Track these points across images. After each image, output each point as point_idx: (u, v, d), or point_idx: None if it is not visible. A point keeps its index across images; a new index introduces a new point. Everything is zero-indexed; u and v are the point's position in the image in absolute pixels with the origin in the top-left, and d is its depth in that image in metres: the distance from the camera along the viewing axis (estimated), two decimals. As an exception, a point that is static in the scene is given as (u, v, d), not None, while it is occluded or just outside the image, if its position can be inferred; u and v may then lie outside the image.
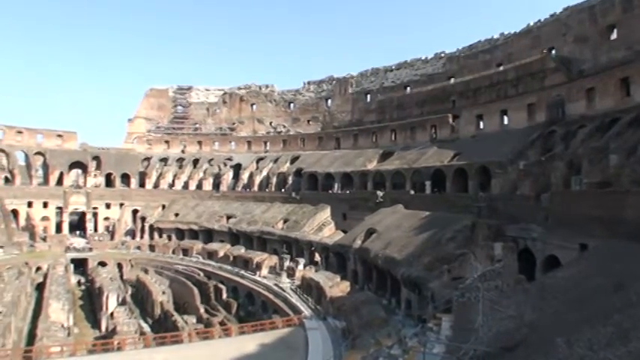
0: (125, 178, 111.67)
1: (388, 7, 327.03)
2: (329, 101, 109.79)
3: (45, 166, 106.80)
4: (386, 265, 49.77)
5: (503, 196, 51.21)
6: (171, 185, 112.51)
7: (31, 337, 53.12)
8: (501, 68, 70.05)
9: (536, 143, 54.27)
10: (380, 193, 71.05)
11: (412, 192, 67.66)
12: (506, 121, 65.14)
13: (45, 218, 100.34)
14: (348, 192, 78.85)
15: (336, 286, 53.98)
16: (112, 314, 59.69)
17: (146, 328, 53.87)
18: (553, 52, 63.04)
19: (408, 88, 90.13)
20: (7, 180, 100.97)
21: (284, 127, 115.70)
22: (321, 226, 76.12)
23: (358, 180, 79.00)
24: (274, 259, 71.64)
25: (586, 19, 58.42)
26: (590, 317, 17.01)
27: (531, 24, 68.41)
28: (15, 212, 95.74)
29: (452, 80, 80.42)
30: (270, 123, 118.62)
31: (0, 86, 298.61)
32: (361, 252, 57.20)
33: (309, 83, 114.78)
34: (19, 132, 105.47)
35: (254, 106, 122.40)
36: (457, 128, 72.72)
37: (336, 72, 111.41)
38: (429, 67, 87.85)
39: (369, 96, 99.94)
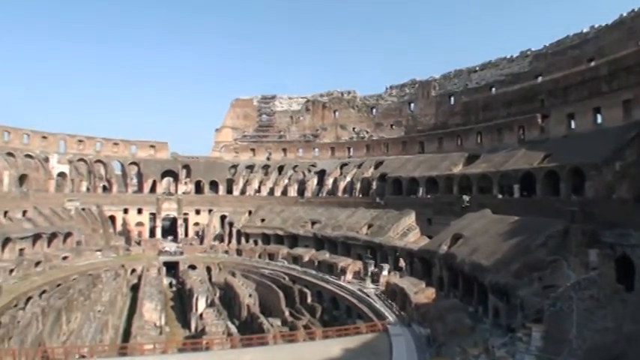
0: (213, 185, 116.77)
1: (469, 6, 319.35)
2: (412, 105, 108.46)
3: (139, 175, 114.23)
4: (472, 272, 48.54)
5: (598, 199, 48.42)
6: (258, 191, 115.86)
7: (126, 335, 56.87)
8: (593, 64, 66.21)
9: (634, 142, 50.65)
10: (466, 198, 69.44)
11: (500, 196, 65.48)
12: (599, 119, 61.18)
13: (139, 224, 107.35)
14: (433, 196, 77.60)
15: (421, 293, 53.26)
16: (201, 315, 62.55)
17: (233, 329, 55.66)
18: (650, 43, 58.97)
19: (493, 89, 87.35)
20: (105, 188, 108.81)
21: (367, 132, 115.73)
22: (405, 231, 75.41)
23: (443, 184, 77.34)
24: (358, 265, 71.82)
25: (687, 6, 54.23)
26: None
27: (624, 15, 64.41)
28: (112, 218, 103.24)
29: (539, 79, 77.02)
30: (353, 129, 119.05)
31: (98, 103, 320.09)
32: (447, 258, 56.12)
33: (391, 87, 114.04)
34: (115, 144, 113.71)
35: (336, 113, 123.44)
36: (547, 128, 69.43)
37: (418, 75, 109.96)
38: (515, 66, 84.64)
39: (452, 98, 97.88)
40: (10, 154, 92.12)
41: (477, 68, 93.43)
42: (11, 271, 67.95)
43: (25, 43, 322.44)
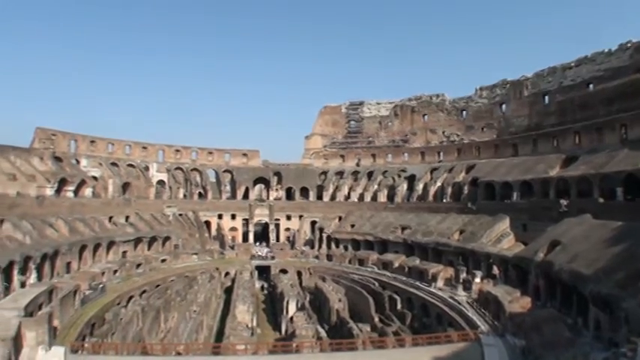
0: (304, 192, 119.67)
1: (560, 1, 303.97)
2: (503, 106, 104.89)
3: (232, 182, 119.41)
4: (572, 281, 46.25)
5: None
6: (347, 197, 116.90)
7: (220, 334, 59.85)
8: None
9: None
10: (564, 202, 66.10)
11: (601, 200, 61.82)
12: None
13: (233, 229, 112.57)
14: (527, 201, 74.54)
15: (516, 302, 51.47)
16: (291, 318, 64.38)
17: (322, 333, 56.56)
18: None
19: (591, 86, 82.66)
20: (200, 195, 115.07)
21: (457, 135, 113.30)
22: (499, 237, 72.89)
23: (539, 188, 74.06)
24: (450, 271, 70.54)
25: None
26: None
27: None
28: (207, 223, 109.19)
29: (643, 73, 72.19)
30: (443, 132, 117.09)
31: (193, 114, 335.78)
32: (543, 265, 53.81)
33: (481, 89, 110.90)
34: (210, 153, 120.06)
35: (425, 117, 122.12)
36: (653, 127, 65.00)
37: (509, 75, 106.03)
38: (614, 60, 79.31)
39: (547, 97, 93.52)
40: (114, 164, 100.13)
41: (572, 64, 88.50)
42: (115, 271, 74.57)
43: (127, 61, 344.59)
